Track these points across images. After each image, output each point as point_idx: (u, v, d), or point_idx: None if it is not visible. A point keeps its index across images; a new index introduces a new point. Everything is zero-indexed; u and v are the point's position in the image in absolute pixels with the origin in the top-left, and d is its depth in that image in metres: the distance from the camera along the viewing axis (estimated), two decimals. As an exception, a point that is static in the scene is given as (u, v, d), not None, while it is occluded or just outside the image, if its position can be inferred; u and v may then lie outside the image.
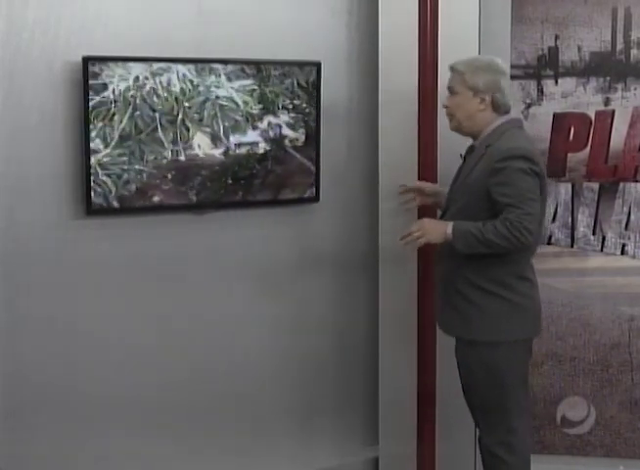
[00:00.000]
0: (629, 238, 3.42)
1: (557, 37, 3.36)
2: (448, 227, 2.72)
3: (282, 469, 3.45)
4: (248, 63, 3.11)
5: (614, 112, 3.37)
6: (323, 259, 3.45)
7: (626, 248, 3.43)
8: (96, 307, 3.02)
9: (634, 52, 3.34)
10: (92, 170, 2.90)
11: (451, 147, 3.10)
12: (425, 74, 3.21)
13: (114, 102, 2.90)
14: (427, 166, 3.23)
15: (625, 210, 3.41)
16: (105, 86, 2.88)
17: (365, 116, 3.43)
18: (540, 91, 3.38)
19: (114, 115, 2.91)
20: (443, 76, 3.15)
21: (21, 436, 2.95)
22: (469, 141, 2.91)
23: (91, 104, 2.86)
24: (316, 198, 3.33)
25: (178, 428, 3.22)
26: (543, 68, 3.38)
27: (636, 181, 3.39)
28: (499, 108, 2.82)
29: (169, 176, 3.03)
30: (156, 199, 3.01)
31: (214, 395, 3.28)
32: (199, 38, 3.09)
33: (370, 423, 3.54)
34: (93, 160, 2.90)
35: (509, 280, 2.78)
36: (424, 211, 3.23)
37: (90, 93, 2.85)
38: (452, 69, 2.87)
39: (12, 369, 2.91)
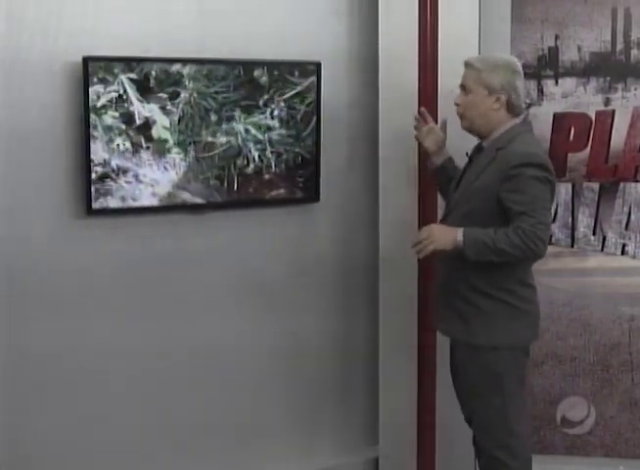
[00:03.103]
0: (630, 238, 3.42)
1: (557, 37, 3.36)
2: (458, 234, 2.65)
3: (282, 469, 3.45)
4: (247, 63, 3.11)
5: (614, 112, 3.37)
6: (323, 260, 3.45)
7: (627, 248, 3.43)
8: (96, 307, 3.02)
9: (634, 52, 3.33)
10: (262, 146, 3.15)
11: (452, 147, 3.09)
12: (425, 74, 3.21)
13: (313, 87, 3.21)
14: (427, 166, 3.22)
15: (626, 210, 3.41)
16: (312, 72, 3.21)
17: (365, 116, 3.43)
18: (540, 91, 3.38)
19: (304, 98, 3.21)
20: (444, 76, 3.16)
21: (21, 436, 2.95)
22: (471, 140, 2.88)
23: (297, 88, 3.15)
24: (316, 198, 3.33)
25: (178, 428, 3.22)
26: (543, 68, 3.38)
27: (636, 181, 3.39)
28: (513, 109, 2.77)
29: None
30: (266, 176, 3.20)
31: (214, 394, 3.28)
32: (199, 38, 3.09)
33: (370, 423, 3.54)
34: (265, 136, 3.14)
35: (512, 286, 2.76)
36: (425, 217, 3.23)
37: (294, 78, 3.16)
38: (468, 65, 2.79)
39: (12, 369, 2.92)
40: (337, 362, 3.54)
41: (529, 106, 3.37)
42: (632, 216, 3.40)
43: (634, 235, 3.41)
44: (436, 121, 3.17)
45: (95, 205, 2.91)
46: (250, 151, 3.14)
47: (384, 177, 3.30)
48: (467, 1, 3.22)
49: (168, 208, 3.06)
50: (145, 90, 2.93)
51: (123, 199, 2.95)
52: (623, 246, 3.42)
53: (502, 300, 2.74)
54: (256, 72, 3.11)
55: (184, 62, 3.00)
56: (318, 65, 3.24)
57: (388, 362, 3.40)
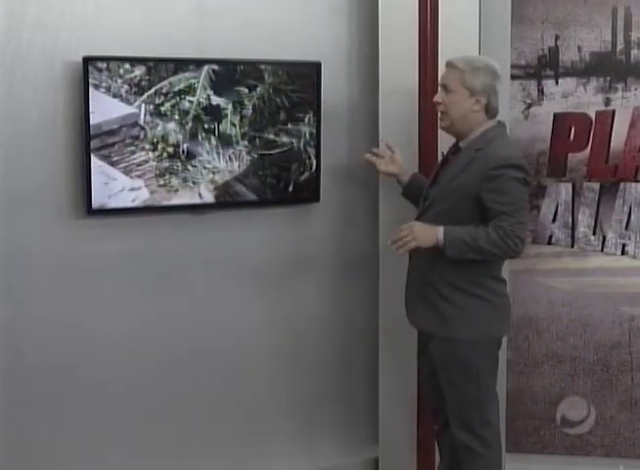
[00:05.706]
0: (630, 238, 3.42)
1: (557, 37, 3.36)
2: (439, 232, 2.70)
3: (282, 469, 3.45)
4: (247, 63, 3.11)
5: (614, 112, 3.37)
6: (323, 260, 3.45)
7: (627, 248, 3.43)
8: (97, 307, 3.03)
9: (634, 52, 3.34)
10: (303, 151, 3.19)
11: (451, 147, 3.10)
12: (425, 74, 3.21)
13: None
14: (427, 166, 3.22)
15: (626, 210, 3.41)
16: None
17: (365, 115, 3.43)
18: (541, 91, 3.38)
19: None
20: (444, 76, 3.15)
21: (21, 436, 2.95)
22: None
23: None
24: (316, 198, 3.33)
25: (178, 428, 3.22)
26: (543, 68, 3.38)
27: (637, 181, 3.39)
28: (491, 111, 2.82)
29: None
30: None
31: (214, 394, 3.28)
32: (199, 38, 3.09)
33: (370, 423, 3.54)
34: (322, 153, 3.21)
35: (487, 281, 2.83)
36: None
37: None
38: (451, 65, 2.83)
39: (12, 369, 2.92)
40: (336, 362, 3.54)
41: (530, 106, 3.38)
42: (632, 216, 3.40)
43: (634, 235, 3.41)
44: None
45: (160, 181, 2.99)
46: (309, 157, 3.19)
47: (384, 177, 3.30)
48: (467, 1, 3.22)
49: (167, 208, 3.06)
50: (226, 82, 3.02)
51: (185, 180, 3.03)
52: (623, 246, 3.43)
53: (478, 295, 2.81)
54: None
55: (189, 62, 3.00)
56: (318, 65, 3.24)
57: (389, 362, 3.40)
